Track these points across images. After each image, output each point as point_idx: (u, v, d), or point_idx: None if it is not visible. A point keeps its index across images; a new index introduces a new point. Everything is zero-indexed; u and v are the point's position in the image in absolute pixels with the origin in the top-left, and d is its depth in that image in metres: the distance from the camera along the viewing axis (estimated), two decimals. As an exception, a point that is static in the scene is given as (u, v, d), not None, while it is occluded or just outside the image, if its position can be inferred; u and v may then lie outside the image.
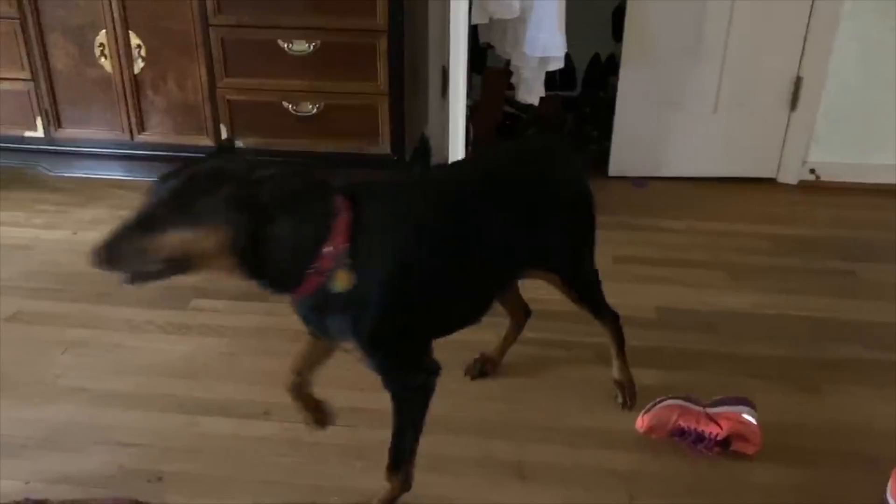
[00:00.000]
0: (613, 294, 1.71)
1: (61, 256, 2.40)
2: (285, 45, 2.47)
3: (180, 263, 1.12)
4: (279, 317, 2.08)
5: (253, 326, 2.05)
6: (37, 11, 2.49)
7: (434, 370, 1.36)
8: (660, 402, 1.61)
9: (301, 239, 1.17)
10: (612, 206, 2.64)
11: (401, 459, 1.39)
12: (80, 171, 2.75)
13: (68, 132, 2.67)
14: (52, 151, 2.71)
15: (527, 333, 1.85)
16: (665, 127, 2.99)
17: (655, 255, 2.46)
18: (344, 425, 1.57)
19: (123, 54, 2.53)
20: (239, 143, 2.57)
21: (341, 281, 1.20)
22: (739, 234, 2.62)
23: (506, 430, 1.66)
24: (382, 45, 2.43)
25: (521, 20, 2.51)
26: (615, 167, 3.05)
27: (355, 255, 1.20)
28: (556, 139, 1.88)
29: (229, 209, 1.10)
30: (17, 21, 2.51)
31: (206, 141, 2.63)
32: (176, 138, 2.65)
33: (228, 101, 2.57)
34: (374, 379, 1.32)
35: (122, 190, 2.84)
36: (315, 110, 2.55)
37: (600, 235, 1.63)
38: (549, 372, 1.87)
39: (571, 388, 1.80)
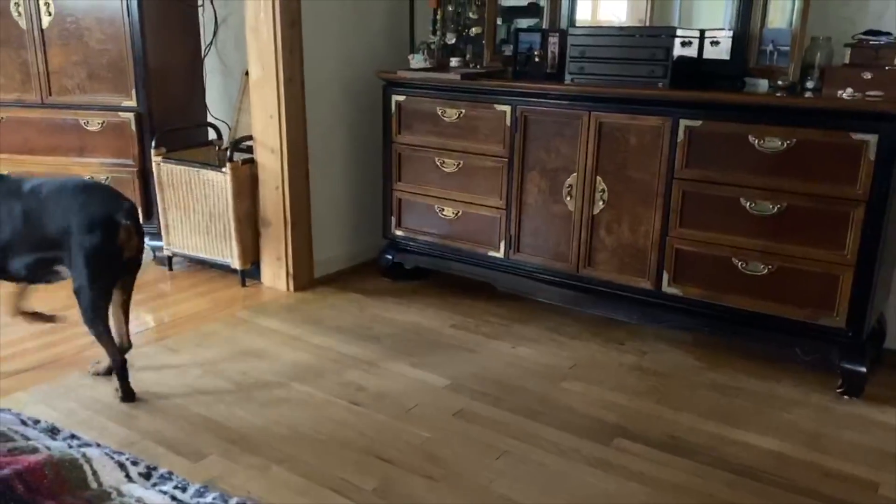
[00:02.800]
0: None
1: (501, 366, 2.65)
2: (747, 204, 2.46)
3: None
4: (705, 479, 1.99)
5: (675, 482, 1.98)
6: (523, 154, 2.90)
7: None
8: None
9: None
10: None
11: None
12: (525, 292, 3.04)
13: (523, 256, 3.00)
14: (507, 271, 3.06)
15: None
16: None
17: None
18: None
19: (587, 196, 2.78)
20: (676, 292, 2.61)
21: None
22: None
23: None
24: (858, 213, 2.27)
25: None
26: None
27: None
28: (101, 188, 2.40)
29: None
30: (506, 161, 2.94)
31: (645, 284, 2.72)
32: (617, 277, 2.78)
33: (676, 249, 2.63)
34: None
35: (558, 315, 3.07)
36: (766, 271, 2.47)
37: None
38: None
39: None
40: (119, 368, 2.37)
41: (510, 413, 2.32)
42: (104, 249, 2.25)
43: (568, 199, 2.83)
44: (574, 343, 2.86)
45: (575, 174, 2.79)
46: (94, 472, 0.87)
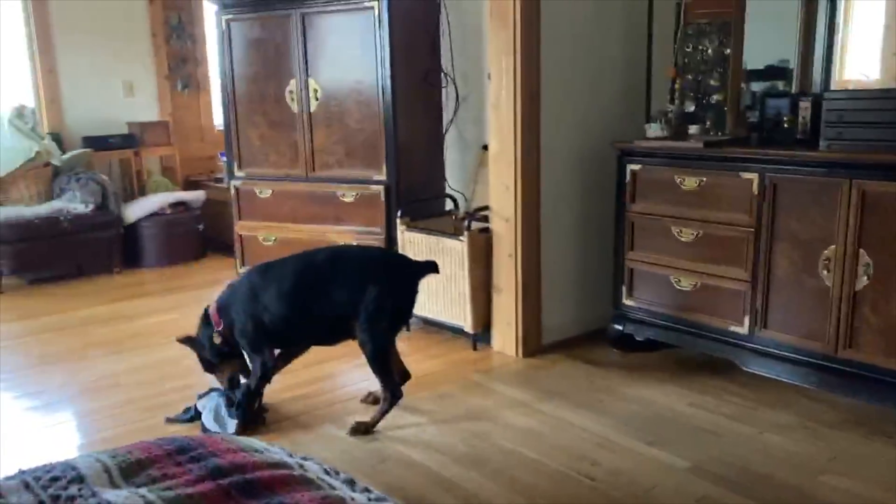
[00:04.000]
0: None
1: (748, 452, 2.46)
2: None
3: None
4: None
5: None
6: (772, 224, 2.73)
7: (268, 361, 2.70)
8: None
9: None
10: None
11: (241, 402, 2.68)
12: (772, 373, 2.82)
13: (771, 333, 2.79)
14: (750, 349, 2.86)
15: None
16: None
17: None
18: None
19: (848, 270, 2.54)
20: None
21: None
22: None
23: None
24: None
25: None
26: None
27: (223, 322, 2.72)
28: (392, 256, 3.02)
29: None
30: (752, 230, 2.79)
31: (921, 370, 2.41)
32: (884, 361, 2.49)
33: (961, 333, 2.31)
34: None
35: (811, 400, 2.81)
36: None
37: None
38: None
39: None
40: (394, 403, 2.69)
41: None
42: (405, 298, 2.72)
43: (825, 272, 2.61)
44: (832, 432, 2.58)
45: (833, 246, 2.57)
46: (395, 527, 0.94)
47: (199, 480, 1.07)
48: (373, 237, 3.73)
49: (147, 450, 1.19)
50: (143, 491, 1.06)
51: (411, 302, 2.77)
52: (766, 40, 3.19)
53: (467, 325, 3.44)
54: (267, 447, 1.27)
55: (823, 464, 2.37)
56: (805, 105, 2.81)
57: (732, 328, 2.91)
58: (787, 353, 2.76)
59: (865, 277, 2.51)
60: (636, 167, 3.16)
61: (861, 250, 2.51)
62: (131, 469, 1.13)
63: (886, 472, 2.31)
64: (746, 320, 2.85)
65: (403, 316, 2.80)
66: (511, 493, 2.24)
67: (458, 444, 2.56)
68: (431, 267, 2.79)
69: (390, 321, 2.67)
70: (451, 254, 3.40)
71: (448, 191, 3.94)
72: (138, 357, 3.50)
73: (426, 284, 3.54)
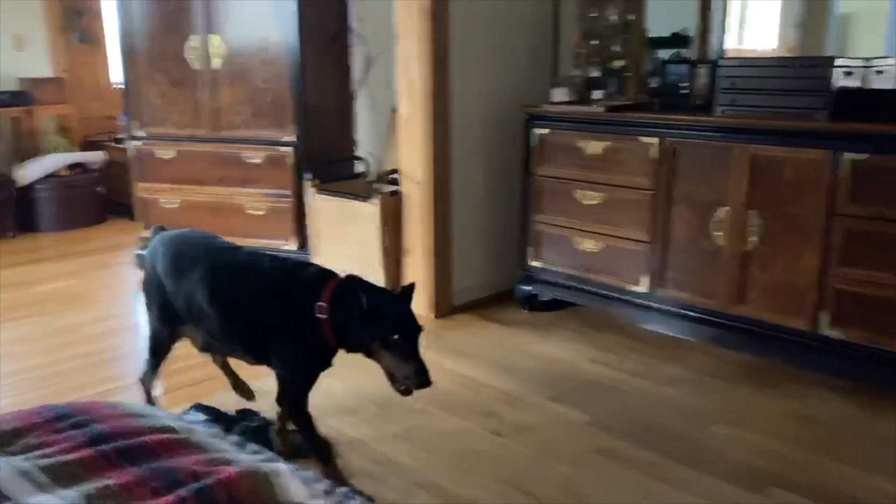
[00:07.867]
0: None
1: (645, 405, 2.58)
2: (920, 242, 2.28)
3: None
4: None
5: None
6: (670, 187, 2.83)
7: None
8: None
9: None
10: None
11: None
12: (669, 330, 2.96)
13: (668, 293, 2.91)
14: (649, 307, 2.98)
15: None
16: None
17: None
18: None
19: (739, 231, 2.67)
20: (837, 335, 2.45)
21: None
22: None
23: None
24: None
25: None
26: None
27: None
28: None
29: None
30: (652, 193, 2.89)
31: (802, 325, 2.57)
32: (770, 316, 2.65)
33: (837, 289, 2.47)
34: None
35: (705, 354, 2.96)
36: (943, 316, 2.27)
37: None
38: None
39: None
40: None
41: (656, 454, 2.25)
42: None
43: (718, 233, 2.74)
44: (723, 385, 2.74)
45: (725, 208, 2.70)
46: (282, 487, 0.94)
47: (78, 447, 1.04)
48: (282, 200, 3.66)
49: (24, 418, 1.15)
50: (17, 459, 1.02)
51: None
52: (670, 8, 3.27)
53: (378, 287, 3.44)
54: (154, 411, 1.24)
55: (715, 415, 2.51)
56: (702, 72, 2.91)
57: (633, 288, 3.02)
58: (683, 311, 2.89)
59: (754, 238, 2.65)
60: (543, 131, 3.21)
61: (751, 212, 2.64)
62: (6, 438, 1.09)
63: (772, 421, 2.46)
64: (646, 280, 2.97)
65: None
66: (420, 451, 2.28)
67: (368, 405, 2.58)
68: None
69: None
70: (363, 217, 3.38)
71: (359, 153, 3.89)
72: (34, 325, 3.35)
73: (338, 247, 3.52)
